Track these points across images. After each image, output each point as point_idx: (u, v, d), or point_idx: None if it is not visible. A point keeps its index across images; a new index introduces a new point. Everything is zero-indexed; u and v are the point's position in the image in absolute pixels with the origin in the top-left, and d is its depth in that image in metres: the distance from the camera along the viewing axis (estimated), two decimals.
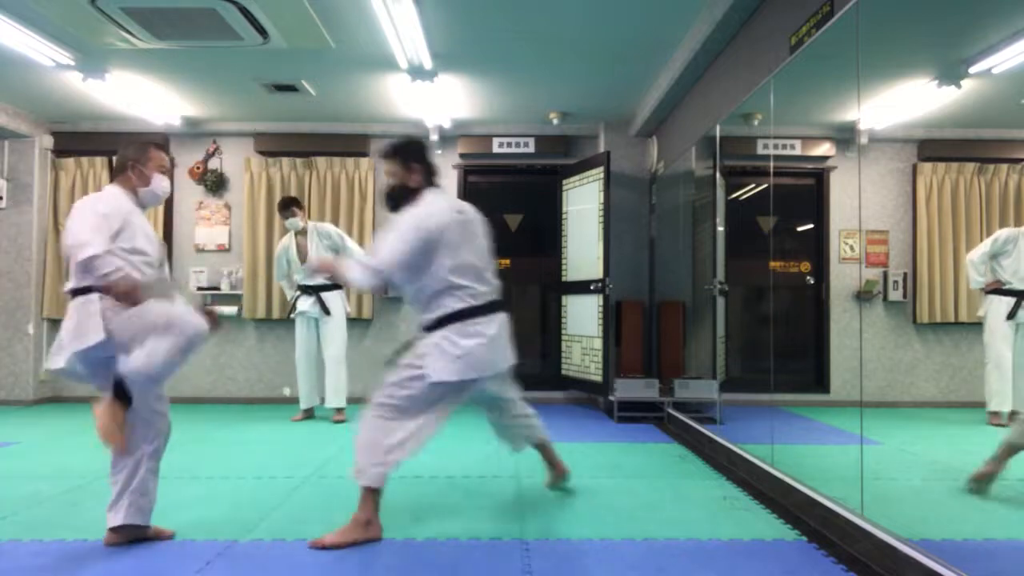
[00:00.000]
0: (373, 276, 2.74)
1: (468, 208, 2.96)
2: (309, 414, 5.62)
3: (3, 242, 6.33)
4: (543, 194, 6.68)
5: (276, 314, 6.37)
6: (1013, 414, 3.27)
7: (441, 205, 2.85)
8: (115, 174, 2.83)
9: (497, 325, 2.89)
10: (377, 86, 5.36)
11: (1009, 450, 2.93)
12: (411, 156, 2.89)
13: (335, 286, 5.48)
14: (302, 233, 5.51)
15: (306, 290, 5.47)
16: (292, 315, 5.58)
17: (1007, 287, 3.60)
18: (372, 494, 2.73)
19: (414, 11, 3.84)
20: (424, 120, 6.17)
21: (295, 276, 5.54)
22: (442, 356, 2.73)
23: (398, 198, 2.89)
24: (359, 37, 4.37)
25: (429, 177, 2.91)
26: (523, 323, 6.92)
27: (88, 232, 2.48)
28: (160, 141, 2.86)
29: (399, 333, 6.45)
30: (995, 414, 3.54)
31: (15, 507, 3.11)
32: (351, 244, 5.59)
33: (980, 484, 2.92)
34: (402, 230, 2.74)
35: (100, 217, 2.54)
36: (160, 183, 2.83)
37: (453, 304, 2.78)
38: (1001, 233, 3.68)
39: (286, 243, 5.57)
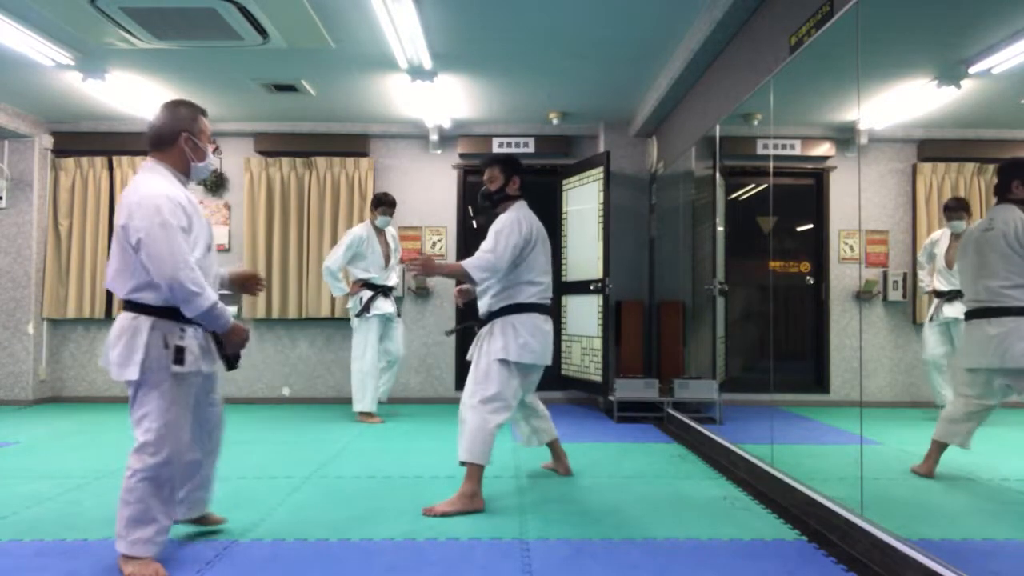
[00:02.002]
0: (488, 269, 3.18)
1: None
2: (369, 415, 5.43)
3: (3, 242, 6.33)
4: (543, 194, 6.67)
5: (276, 314, 6.37)
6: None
7: (532, 214, 3.39)
8: (158, 146, 2.44)
9: (550, 323, 3.39)
10: (377, 86, 5.36)
11: (940, 448, 3.07)
12: (514, 168, 3.40)
13: (389, 289, 5.49)
14: (381, 232, 5.52)
15: (385, 291, 5.42)
16: (367, 315, 5.31)
17: (937, 289, 3.68)
18: (478, 470, 3.13)
19: (414, 11, 3.84)
20: (424, 120, 6.17)
21: (361, 272, 5.37)
22: (514, 339, 3.20)
23: (496, 201, 3.40)
24: (359, 37, 4.37)
25: (520, 190, 3.43)
26: None
27: (186, 262, 2.26)
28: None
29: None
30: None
31: (15, 507, 3.11)
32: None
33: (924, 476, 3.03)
34: (511, 230, 3.21)
35: (181, 233, 2.28)
36: (211, 156, 2.58)
37: (529, 297, 3.27)
38: (930, 238, 3.77)
39: (365, 235, 5.36)
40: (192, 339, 2.40)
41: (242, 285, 2.91)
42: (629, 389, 5.54)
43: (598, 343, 5.86)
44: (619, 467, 3.99)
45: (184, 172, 2.50)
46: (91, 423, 5.37)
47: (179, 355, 2.35)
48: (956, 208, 3.60)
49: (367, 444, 4.58)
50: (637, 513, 3.07)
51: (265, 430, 5.09)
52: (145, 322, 2.34)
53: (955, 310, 3.65)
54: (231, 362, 2.59)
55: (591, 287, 5.97)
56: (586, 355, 6.05)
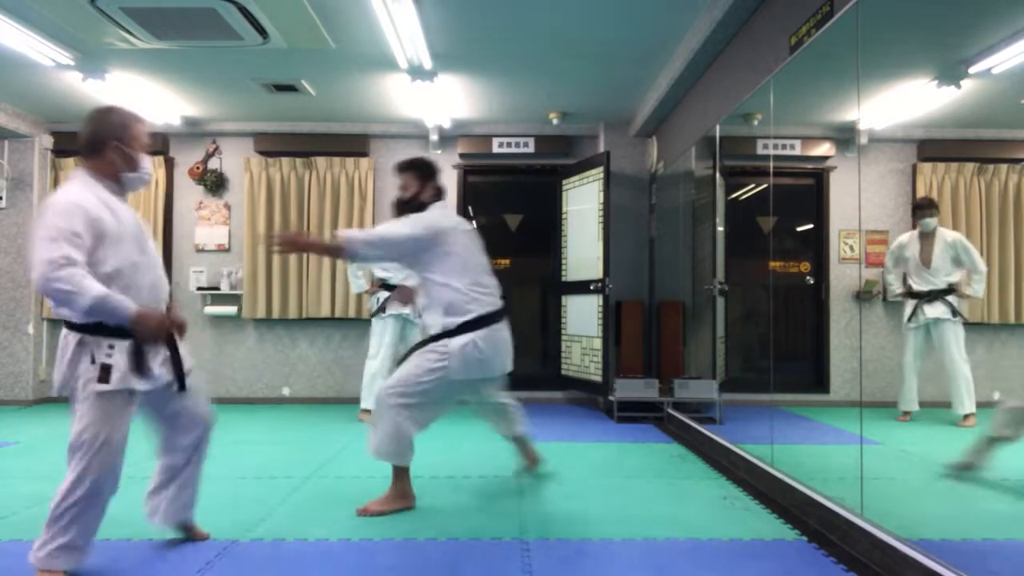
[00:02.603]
0: (373, 245, 2.98)
1: (467, 223, 3.29)
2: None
3: (3, 242, 6.33)
4: (543, 194, 6.68)
5: (276, 314, 6.37)
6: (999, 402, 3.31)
7: (448, 214, 3.23)
8: (86, 153, 2.34)
9: (506, 329, 3.21)
10: (377, 86, 5.36)
11: (991, 443, 2.95)
12: (428, 173, 3.23)
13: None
14: None
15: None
16: (383, 315, 5.31)
17: (913, 289, 3.69)
18: (404, 470, 3.10)
19: (414, 11, 3.84)
20: (424, 120, 6.17)
21: (380, 272, 5.35)
22: (466, 357, 3.01)
23: (408, 209, 3.18)
24: (359, 37, 4.37)
25: (438, 194, 3.25)
26: (523, 323, 6.92)
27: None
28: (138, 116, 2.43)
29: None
30: (905, 413, 3.68)
31: (15, 507, 3.11)
32: None
33: (960, 472, 2.96)
34: (410, 221, 3.05)
35: (71, 237, 2.16)
36: (146, 165, 2.43)
37: (477, 310, 3.05)
38: (895, 242, 3.80)
39: None
40: (120, 356, 2.27)
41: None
42: (629, 389, 5.54)
43: (598, 343, 5.86)
44: (619, 467, 3.99)
45: (114, 180, 2.36)
46: None
47: (104, 373, 2.24)
48: (928, 207, 3.64)
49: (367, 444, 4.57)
50: (637, 513, 3.07)
51: (265, 430, 5.09)
52: (72, 338, 2.26)
53: (937, 310, 3.66)
54: (181, 381, 2.46)
55: (591, 287, 5.97)
56: (586, 355, 6.05)
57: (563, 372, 6.40)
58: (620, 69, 5.01)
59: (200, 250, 6.57)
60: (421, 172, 3.22)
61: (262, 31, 4.16)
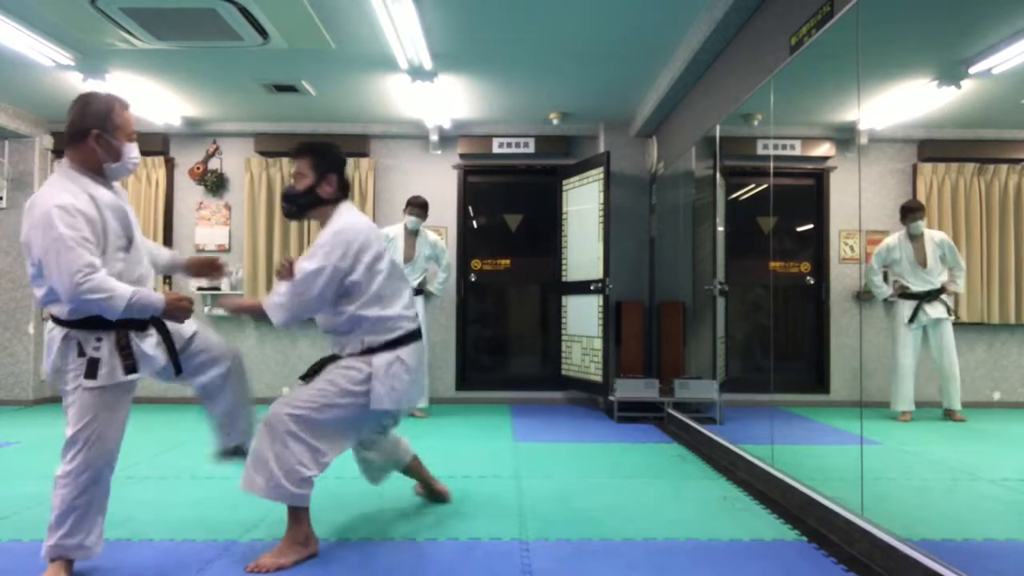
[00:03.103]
0: (288, 310, 2.54)
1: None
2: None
3: (3, 242, 6.33)
4: (543, 194, 6.68)
5: None
6: None
7: (363, 221, 2.65)
8: (69, 143, 2.26)
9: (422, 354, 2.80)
10: (377, 86, 5.36)
11: None
12: (330, 163, 2.65)
13: (418, 291, 5.57)
14: (413, 233, 5.60)
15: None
16: None
17: (910, 290, 3.70)
18: (303, 511, 2.55)
19: (414, 11, 3.84)
20: (424, 120, 6.17)
21: None
22: (391, 382, 2.58)
23: (302, 206, 2.67)
24: (359, 37, 4.37)
25: (343, 191, 2.70)
26: (523, 323, 6.93)
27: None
28: (121, 99, 2.34)
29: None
30: (904, 412, 3.67)
31: (15, 507, 3.11)
32: (445, 262, 5.74)
33: None
34: (324, 261, 2.49)
35: (81, 242, 2.14)
36: (131, 153, 2.33)
37: (402, 327, 2.64)
38: (882, 245, 3.81)
39: (391, 234, 5.53)
40: (106, 349, 2.24)
41: (198, 271, 2.79)
42: (629, 389, 5.54)
43: (598, 343, 5.86)
44: (619, 467, 3.99)
45: (97, 171, 2.29)
46: None
47: (91, 368, 2.22)
48: (919, 209, 3.68)
49: None
50: (637, 513, 3.07)
51: None
52: (59, 333, 2.25)
53: (937, 311, 3.67)
54: (178, 367, 2.45)
55: (591, 287, 5.97)
56: (586, 355, 6.05)
57: (563, 372, 6.40)
58: (620, 69, 5.01)
59: (200, 250, 6.57)
60: (320, 160, 2.63)
61: (262, 31, 4.16)
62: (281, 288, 2.55)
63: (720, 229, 4.77)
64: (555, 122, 6.19)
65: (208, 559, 2.50)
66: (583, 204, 6.18)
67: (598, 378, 5.86)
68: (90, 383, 2.22)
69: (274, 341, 6.52)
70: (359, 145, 6.44)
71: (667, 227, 5.99)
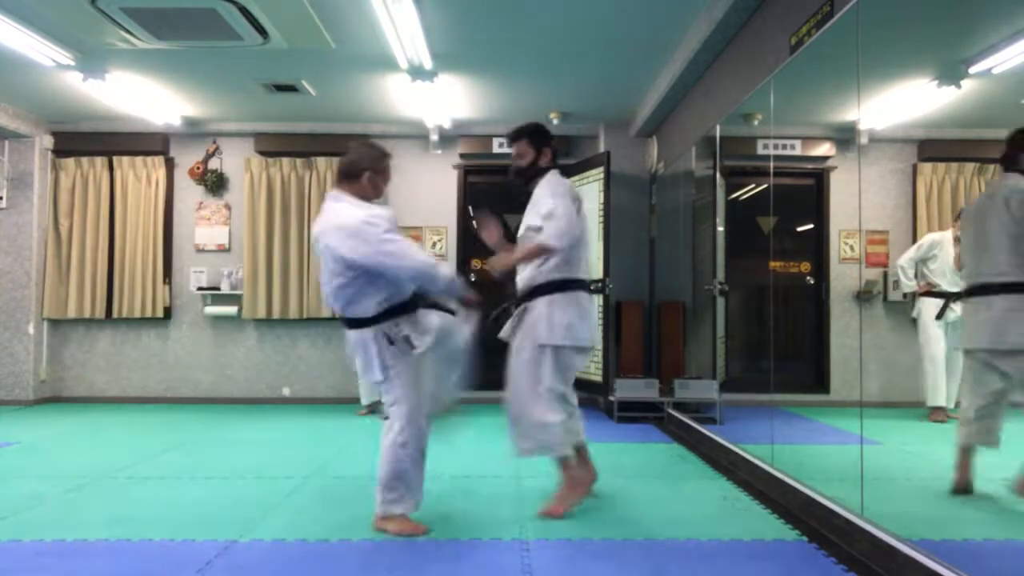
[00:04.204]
0: (565, 234, 3.02)
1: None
2: (374, 408, 5.71)
3: (3, 242, 6.33)
4: None
5: (276, 314, 6.37)
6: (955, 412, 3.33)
7: (568, 182, 3.25)
8: (343, 179, 2.80)
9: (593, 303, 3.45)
10: (377, 86, 5.36)
11: (964, 453, 2.94)
12: (544, 139, 3.25)
13: None
14: None
15: None
16: None
17: (937, 289, 3.67)
18: (566, 459, 3.06)
19: (414, 11, 3.84)
20: (424, 120, 6.17)
21: None
22: (559, 321, 3.01)
23: (528, 177, 3.25)
24: (359, 37, 4.37)
25: (555, 158, 3.30)
26: None
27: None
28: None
29: None
30: (936, 410, 3.63)
31: (15, 507, 3.11)
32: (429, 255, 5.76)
33: (961, 491, 2.93)
34: (558, 199, 3.07)
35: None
36: (386, 193, 2.94)
37: (575, 272, 3.13)
38: (926, 239, 3.77)
39: None
40: (407, 325, 2.69)
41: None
42: (629, 389, 5.53)
43: (598, 343, 5.86)
44: (619, 467, 3.98)
45: (364, 201, 2.79)
46: (91, 423, 5.38)
47: (408, 343, 2.68)
48: None
49: (367, 444, 4.57)
50: (637, 513, 3.07)
51: (265, 430, 5.09)
52: (368, 333, 2.68)
53: (959, 311, 3.65)
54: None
55: (591, 287, 5.95)
56: None
57: None
58: (620, 69, 5.01)
59: (200, 250, 6.57)
60: (535, 138, 3.24)
61: (262, 31, 4.16)
62: (544, 229, 3.04)
63: (720, 229, 4.77)
64: (555, 122, 6.18)
65: (208, 559, 2.50)
66: (583, 204, 6.17)
67: (598, 378, 5.86)
68: (416, 351, 2.68)
69: (274, 341, 6.52)
70: None
71: (667, 227, 5.99)
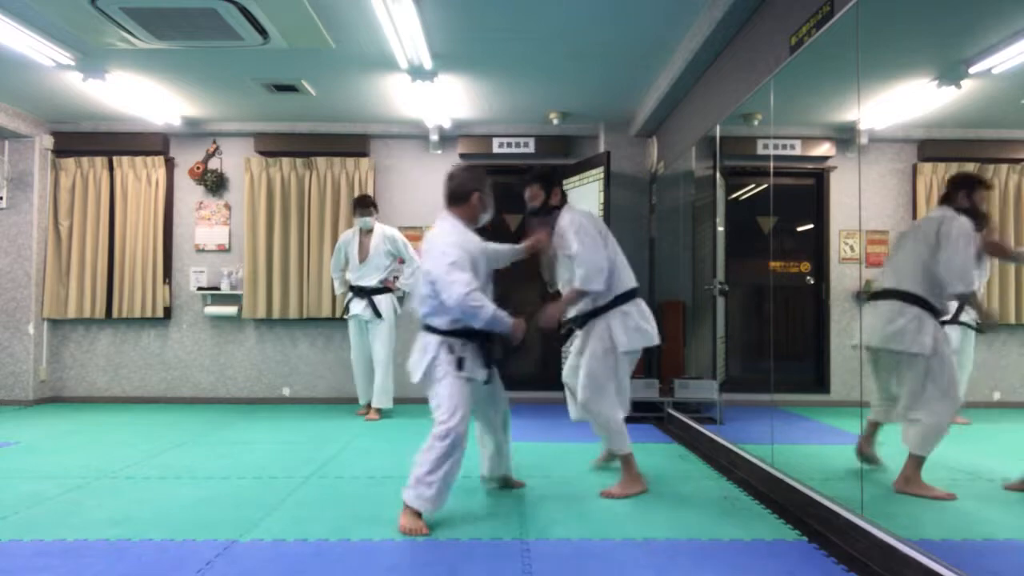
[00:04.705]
0: (597, 273, 3.32)
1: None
2: (370, 408, 5.70)
3: (3, 242, 6.33)
4: None
5: (276, 314, 6.37)
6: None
7: (583, 211, 3.54)
8: (453, 203, 3.09)
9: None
10: (377, 86, 5.36)
11: (870, 426, 3.29)
12: (551, 181, 3.54)
13: (386, 289, 5.56)
14: (367, 232, 5.59)
15: (358, 292, 5.54)
16: (345, 316, 5.69)
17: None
18: (629, 455, 3.42)
19: (414, 11, 3.84)
20: (424, 120, 6.17)
21: (348, 275, 5.66)
22: (626, 328, 3.42)
23: (543, 217, 3.54)
24: (359, 37, 4.37)
25: (564, 197, 3.62)
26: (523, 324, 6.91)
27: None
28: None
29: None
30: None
31: (15, 507, 3.11)
32: (412, 252, 5.66)
33: (860, 457, 3.19)
34: (582, 232, 3.35)
35: (461, 269, 2.90)
36: (491, 211, 3.21)
37: (625, 285, 3.47)
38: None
39: (348, 238, 5.63)
40: (469, 353, 2.96)
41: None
42: (629, 389, 5.53)
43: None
44: (619, 467, 3.98)
45: (473, 222, 3.10)
46: (91, 423, 5.38)
47: (460, 363, 2.94)
48: (987, 216, 3.62)
49: (367, 444, 4.58)
50: (637, 513, 3.08)
51: (265, 430, 5.09)
52: (434, 339, 2.96)
53: (969, 315, 3.63)
54: (501, 364, 3.17)
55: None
56: None
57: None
58: (620, 69, 5.01)
59: (200, 250, 6.57)
60: (545, 183, 3.53)
61: (262, 31, 4.16)
62: (575, 267, 3.35)
63: (720, 229, 4.77)
64: (555, 122, 6.18)
65: (208, 559, 2.50)
66: (583, 204, 6.17)
67: None
68: (459, 373, 2.93)
69: (274, 341, 6.52)
70: (359, 145, 6.44)
71: (667, 227, 5.99)
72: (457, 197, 3.09)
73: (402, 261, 5.68)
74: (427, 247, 3.02)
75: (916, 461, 3.00)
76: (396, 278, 5.71)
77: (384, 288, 5.56)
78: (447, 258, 2.87)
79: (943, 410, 3.01)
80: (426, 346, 2.99)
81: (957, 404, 3.07)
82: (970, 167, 3.71)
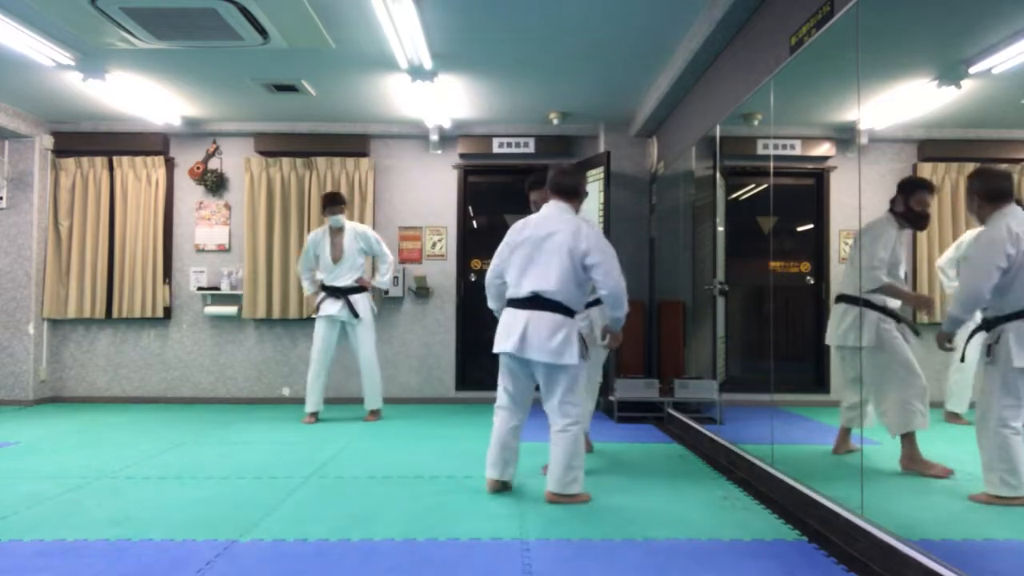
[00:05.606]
0: (622, 288, 3.30)
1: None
2: (316, 417, 5.45)
3: (3, 242, 6.33)
4: None
5: (276, 314, 6.37)
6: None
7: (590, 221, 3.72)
8: (569, 196, 3.41)
9: None
10: (377, 86, 5.36)
11: (842, 431, 3.47)
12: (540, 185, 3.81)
13: (361, 288, 5.44)
14: (338, 231, 5.44)
15: (333, 292, 5.38)
16: (315, 316, 5.44)
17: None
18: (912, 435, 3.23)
19: (414, 11, 3.84)
20: (424, 120, 6.17)
21: (319, 274, 5.49)
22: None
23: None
24: (359, 37, 4.37)
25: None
26: None
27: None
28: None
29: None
30: (953, 414, 3.59)
31: (15, 507, 3.11)
32: (385, 249, 5.57)
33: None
34: (607, 255, 3.38)
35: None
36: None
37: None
38: (965, 237, 3.70)
39: (318, 237, 5.44)
40: (586, 330, 3.46)
41: None
42: (629, 389, 5.53)
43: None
44: (619, 467, 3.98)
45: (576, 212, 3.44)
46: (91, 423, 5.38)
47: (584, 347, 3.24)
48: None
49: (367, 444, 4.58)
50: (637, 513, 3.07)
51: (265, 430, 5.09)
52: (572, 324, 3.18)
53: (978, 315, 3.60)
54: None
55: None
56: None
57: None
58: (620, 69, 5.01)
59: (200, 250, 6.57)
60: (540, 186, 3.82)
61: (262, 31, 4.16)
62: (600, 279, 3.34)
63: (720, 229, 4.77)
64: (555, 122, 6.18)
65: (208, 559, 2.50)
66: (583, 204, 6.17)
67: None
68: (583, 359, 3.25)
69: (274, 341, 6.52)
70: (359, 145, 6.45)
71: (667, 227, 5.99)
72: (574, 192, 3.41)
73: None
74: (574, 227, 3.21)
75: (908, 440, 3.15)
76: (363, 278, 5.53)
77: (359, 287, 5.42)
78: (610, 248, 3.22)
79: (906, 385, 3.21)
80: (568, 329, 3.17)
81: (919, 379, 3.24)
82: (970, 167, 3.70)
